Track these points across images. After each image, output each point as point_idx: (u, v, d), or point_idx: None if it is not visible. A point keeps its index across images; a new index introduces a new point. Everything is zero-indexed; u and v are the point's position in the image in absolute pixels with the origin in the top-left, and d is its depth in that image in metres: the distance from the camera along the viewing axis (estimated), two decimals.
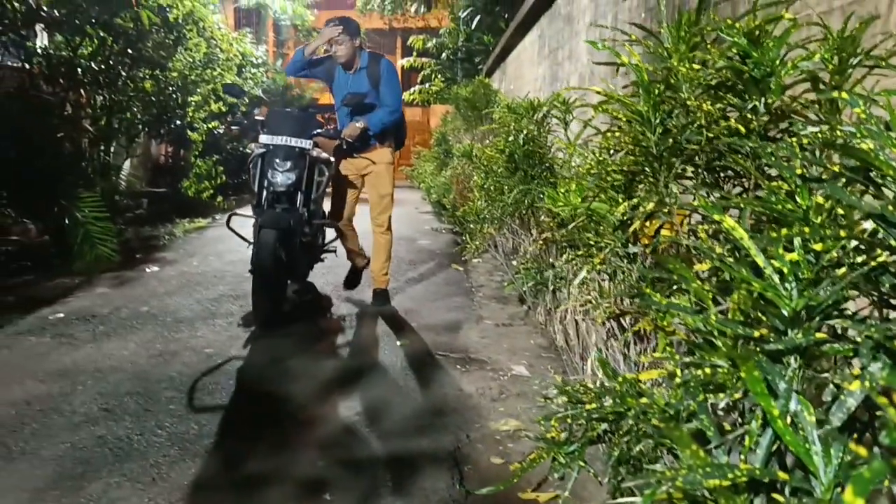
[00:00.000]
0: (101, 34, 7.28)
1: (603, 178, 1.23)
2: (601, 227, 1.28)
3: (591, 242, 1.32)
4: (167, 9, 8.19)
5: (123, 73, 8.09)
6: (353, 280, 5.73)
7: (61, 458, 2.90)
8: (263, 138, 4.70)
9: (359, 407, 3.46)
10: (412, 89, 14.65)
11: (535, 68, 6.45)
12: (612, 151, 1.28)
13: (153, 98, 9.15)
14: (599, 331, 2.46)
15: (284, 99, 17.28)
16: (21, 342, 4.39)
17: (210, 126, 10.86)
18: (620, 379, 0.99)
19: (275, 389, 3.67)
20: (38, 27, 7.65)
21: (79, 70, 7.26)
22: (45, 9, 6.84)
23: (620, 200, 1.25)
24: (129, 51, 7.82)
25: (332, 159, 5.14)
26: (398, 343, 4.48)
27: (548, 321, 4.38)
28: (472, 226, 4.67)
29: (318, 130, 4.89)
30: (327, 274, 6.21)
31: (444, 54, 13.45)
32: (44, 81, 7.08)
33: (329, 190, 5.35)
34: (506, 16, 11.26)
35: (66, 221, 6.03)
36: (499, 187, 3.97)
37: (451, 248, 8.20)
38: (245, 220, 4.94)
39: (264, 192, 4.75)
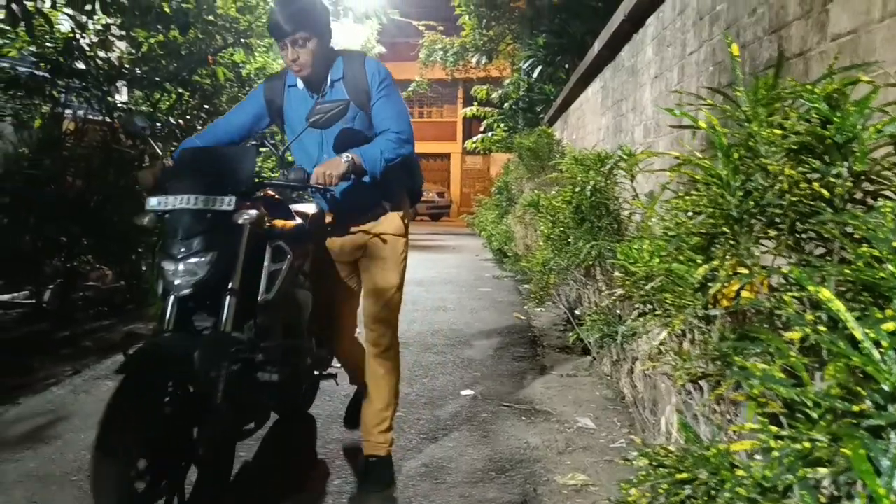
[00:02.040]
0: (179, 90, 7.61)
1: (683, 239, 1.24)
2: (680, 289, 1.28)
3: (670, 303, 1.32)
4: (241, 65, 8.53)
5: (199, 127, 8.42)
6: (357, 413, 3.40)
7: None
8: (152, 202, 2.57)
9: (425, 458, 3.46)
10: (475, 138, 14.86)
11: (598, 118, 6.48)
12: (689, 213, 1.29)
13: None
14: (670, 387, 2.43)
15: None
16: (99, 387, 4.54)
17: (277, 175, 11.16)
18: (714, 450, 0.98)
19: (340, 437, 3.70)
20: (119, 83, 8.05)
21: (157, 124, 7.59)
22: (127, 66, 7.20)
23: (699, 262, 1.26)
24: (205, 105, 8.15)
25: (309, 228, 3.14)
26: (462, 393, 4.48)
27: (614, 373, 4.33)
28: (536, 275, 4.66)
29: (272, 179, 3.04)
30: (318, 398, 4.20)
31: (506, 104, 13.64)
32: (124, 135, 7.42)
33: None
34: (566, 66, 11.38)
35: (142, 268, 6.25)
36: (564, 237, 3.98)
37: (512, 295, 8.20)
38: None
39: (169, 301, 2.55)
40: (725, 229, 1.21)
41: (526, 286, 8.43)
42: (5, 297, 6.62)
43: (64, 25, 6.75)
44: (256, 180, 2.82)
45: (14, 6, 5.50)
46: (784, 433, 0.86)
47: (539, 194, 4.78)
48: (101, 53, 6.87)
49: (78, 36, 6.56)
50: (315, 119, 2.66)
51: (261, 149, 3.14)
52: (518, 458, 3.44)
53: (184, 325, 2.58)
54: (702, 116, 1.76)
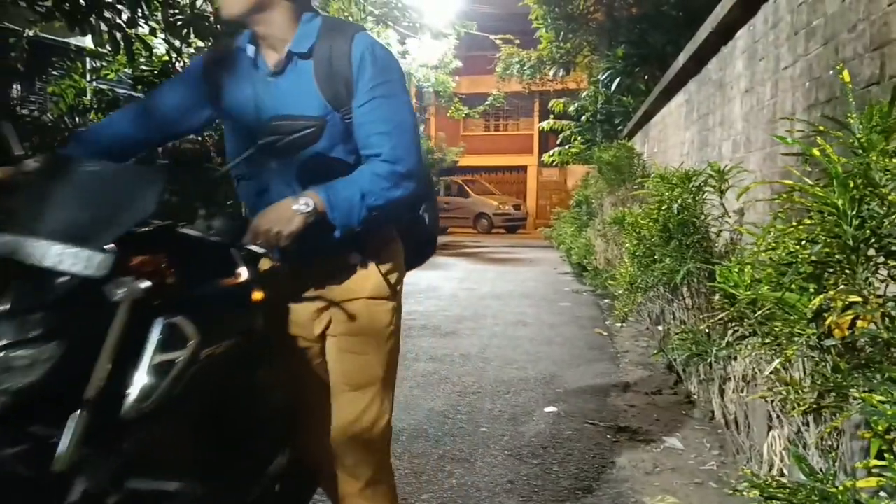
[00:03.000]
0: None
1: (798, 269, 1.23)
2: (791, 317, 1.27)
3: (780, 331, 1.31)
4: None
5: None
6: None
7: None
8: None
9: (510, 475, 3.47)
10: (551, 151, 14.83)
11: (681, 132, 6.39)
12: (803, 241, 1.28)
13: None
14: (770, 412, 2.39)
15: (427, 161, 17.93)
16: None
17: None
18: (841, 486, 0.97)
19: (425, 451, 3.74)
20: None
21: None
22: None
23: (811, 290, 1.25)
24: None
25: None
26: (546, 409, 4.47)
27: (701, 393, 4.25)
28: (620, 291, 4.62)
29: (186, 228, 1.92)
30: None
31: (583, 116, 13.56)
32: (215, 152, 7.72)
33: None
34: (646, 77, 11.23)
35: None
36: (650, 254, 3.94)
37: (592, 310, 8.13)
38: None
39: None
40: (840, 258, 1.19)
41: (606, 301, 8.34)
42: None
43: (159, 48, 7.09)
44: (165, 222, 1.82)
45: (116, 33, 5.82)
46: None
47: (624, 211, 4.74)
48: None
49: (174, 59, 6.87)
50: (267, 142, 1.68)
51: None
52: (605, 478, 3.42)
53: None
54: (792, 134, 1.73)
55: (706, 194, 3.51)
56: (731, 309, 1.62)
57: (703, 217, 3.54)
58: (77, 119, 6.35)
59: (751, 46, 4.05)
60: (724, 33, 4.60)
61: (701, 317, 3.41)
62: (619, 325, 6.88)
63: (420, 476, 3.45)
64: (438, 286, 10.15)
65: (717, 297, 2.15)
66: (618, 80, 11.53)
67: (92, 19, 5.43)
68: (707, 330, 3.30)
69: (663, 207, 3.54)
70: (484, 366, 5.55)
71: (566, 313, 7.94)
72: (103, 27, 5.83)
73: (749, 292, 1.45)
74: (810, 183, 1.29)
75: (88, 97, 7.00)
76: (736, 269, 1.77)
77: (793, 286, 1.28)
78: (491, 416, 4.34)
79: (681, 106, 6.39)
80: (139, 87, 7.08)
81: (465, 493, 3.27)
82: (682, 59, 5.94)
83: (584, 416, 4.33)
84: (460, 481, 3.38)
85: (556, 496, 3.23)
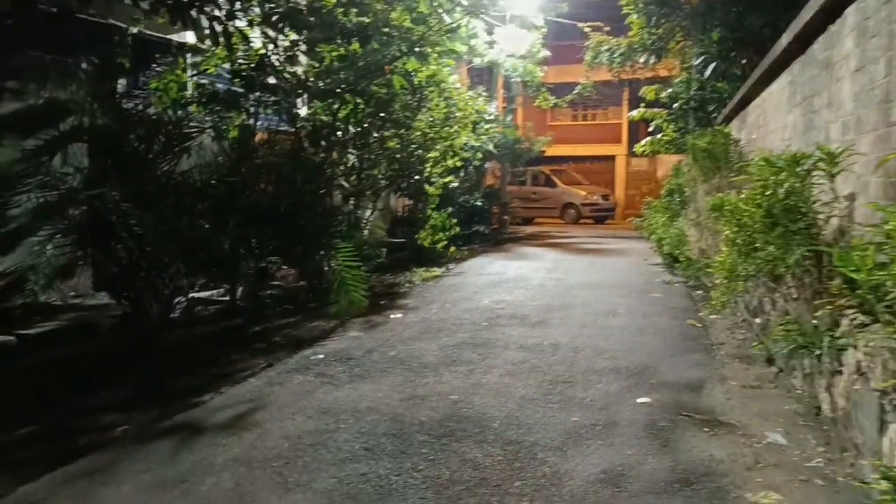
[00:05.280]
0: (357, 100, 8.01)
1: None
2: None
3: None
4: (413, 73, 8.84)
5: (375, 134, 8.85)
6: None
7: (331, 492, 3.15)
8: None
9: (604, 464, 3.41)
10: (643, 141, 14.43)
11: (782, 117, 6.12)
12: None
13: (397, 155, 9.86)
14: (881, 402, 2.26)
15: (514, 152, 17.85)
16: (290, 379, 4.87)
17: (446, 181, 11.50)
18: None
19: (517, 439, 3.73)
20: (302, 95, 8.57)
21: (338, 133, 8.05)
22: (311, 79, 7.67)
23: None
24: (381, 114, 8.54)
25: None
26: (638, 400, 4.38)
27: (806, 386, 4.07)
28: (718, 281, 4.46)
29: None
30: None
31: (675, 104, 13.13)
32: (309, 143, 7.90)
33: None
34: (743, 62, 10.80)
35: (325, 269, 6.62)
36: (750, 242, 3.79)
37: (685, 301, 7.91)
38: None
39: None
40: None
41: (698, 292, 8.11)
42: (205, 293, 7.23)
43: (255, 42, 7.30)
44: None
45: (216, 26, 6.01)
46: None
47: (723, 197, 4.57)
48: (290, 68, 7.36)
49: (269, 53, 7.06)
50: None
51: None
52: (703, 471, 3.32)
53: None
54: None
55: (814, 179, 3.35)
56: (852, 294, 1.53)
57: (811, 202, 3.38)
58: (179, 112, 6.60)
59: (861, 24, 3.84)
60: (831, 11, 4.37)
61: (815, 303, 3.24)
62: (713, 316, 6.69)
63: (513, 463, 3.44)
64: (527, 276, 10.10)
65: (834, 283, 2.04)
66: (713, 65, 11.14)
67: (193, 13, 5.63)
68: (815, 321, 3.16)
69: (768, 192, 3.40)
70: (575, 355, 5.48)
71: (658, 304, 7.75)
72: (203, 22, 6.04)
73: (882, 273, 1.36)
74: None
75: (189, 91, 7.27)
76: (857, 253, 1.68)
77: None
78: (583, 405, 4.29)
79: (783, 89, 6.12)
80: (236, 80, 7.31)
81: (558, 480, 3.25)
82: (784, 40, 5.68)
83: (679, 407, 4.22)
84: (553, 469, 3.36)
85: (652, 488, 3.16)
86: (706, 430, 3.85)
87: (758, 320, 5.60)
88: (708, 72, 11.34)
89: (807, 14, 4.81)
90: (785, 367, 4.54)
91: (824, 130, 4.56)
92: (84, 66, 6.28)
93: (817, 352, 3.07)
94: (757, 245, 3.68)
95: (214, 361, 5.25)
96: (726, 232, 4.00)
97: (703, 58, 11.45)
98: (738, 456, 3.49)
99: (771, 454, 3.50)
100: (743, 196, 3.99)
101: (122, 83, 7.10)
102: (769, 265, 3.41)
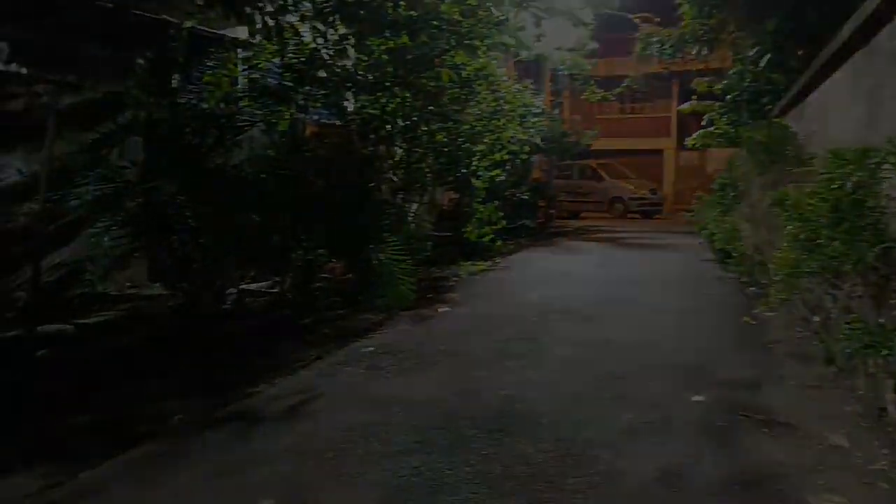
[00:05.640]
0: (406, 93, 8.01)
1: None
2: None
3: None
4: (461, 66, 8.81)
5: (424, 128, 8.83)
6: None
7: (384, 484, 3.15)
8: None
9: (660, 462, 3.35)
10: (695, 134, 14.14)
11: (844, 109, 5.94)
12: None
13: (444, 149, 9.85)
14: None
15: (560, 145, 17.71)
16: (341, 371, 4.89)
17: (492, 174, 11.45)
18: None
19: (570, 435, 3.68)
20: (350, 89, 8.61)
21: (387, 126, 8.06)
22: (360, 73, 7.68)
23: None
24: (430, 107, 8.52)
25: None
26: (693, 398, 4.29)
27: (870, 387, 3.94)
28: (777, 277, 4.34)
29: None
30: None
31: (728, 96, 12.84)
32: (357, 137, 7.93)
33: None
34: (799, 53, 10.51)
35: (374, 262, 6.64)
36: (813, 238, 3.67)
37: (738, 298, 7.74)
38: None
39: None
40: None
41: (753, 289, 7.93)
42: (254, 285, 7.32)
43: (306, 36, 7.34)
44: None
45: (268, 20, 6.07)
46: None
47: (786, 191, 4.45)
48: (339, 61, 7.39)
49: (319, 46, 7.09)
50: None
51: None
52: (763, 473, 3.24)
53: None
54: None
55: (885, 173, 3.23)
56: None
57: (880, 196, 3.26)
58: (231, 106, 6.68)
59: None
60: None
61: (881, 301, 3.14)
62: (768, 313, 6.53)
63: (565, 459, 3.40)
64: (575, 271, 10.00)
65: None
66: (767, 56, 10.87)
67: (246, 8, 5.68)
68: (882, 319, 3.05)
69: (834, 186, 3.29)
70: (626, 352, 5.40)
71: (711, 300, 7.60)
72: (255, 17, 6.10)
73: None
74: None
75: (240, 85, 7.35)
76: None
77: None
78: (636, 402, 4.22)
79: (845, 80, 5.93)
80: (287, 74, 7.36)
81: (612, 478, 3.20)
82: (846, 30, 5.51)
83: (735, 406, 4.12)
84: (607, 466, 3.31)
85: (710, 489, 3.10)
86: (765, 430, 3.76)
87: (816, 318, 5.44)
88: (762, 63, 11.07)
89: (871, 4, 4.65)
90: (846, 367, 4.41)
91: (891, 123, 4.41)
92: (139, 60, 6.39)
93: (884, 351, 2.96)
94: (821, 241, 3.56)
95: (266, 352, 5.30)
96: (788, 227, 3.88)
97: (757, 49, 11.18)
98: (799, 458, 3.39)
99: (833, 457, 3.39)
100: (807, 190, 3.87)
101: (176, 77, 7.21)
102: (834, 261, 3.30)
